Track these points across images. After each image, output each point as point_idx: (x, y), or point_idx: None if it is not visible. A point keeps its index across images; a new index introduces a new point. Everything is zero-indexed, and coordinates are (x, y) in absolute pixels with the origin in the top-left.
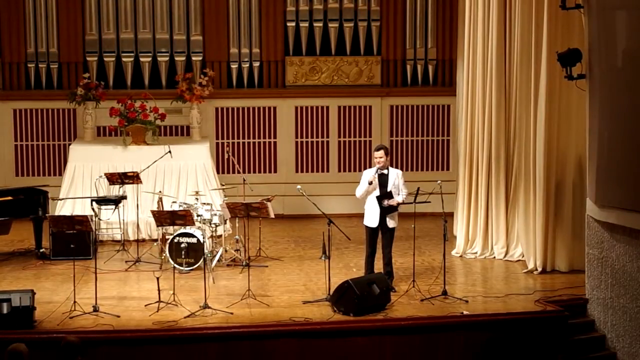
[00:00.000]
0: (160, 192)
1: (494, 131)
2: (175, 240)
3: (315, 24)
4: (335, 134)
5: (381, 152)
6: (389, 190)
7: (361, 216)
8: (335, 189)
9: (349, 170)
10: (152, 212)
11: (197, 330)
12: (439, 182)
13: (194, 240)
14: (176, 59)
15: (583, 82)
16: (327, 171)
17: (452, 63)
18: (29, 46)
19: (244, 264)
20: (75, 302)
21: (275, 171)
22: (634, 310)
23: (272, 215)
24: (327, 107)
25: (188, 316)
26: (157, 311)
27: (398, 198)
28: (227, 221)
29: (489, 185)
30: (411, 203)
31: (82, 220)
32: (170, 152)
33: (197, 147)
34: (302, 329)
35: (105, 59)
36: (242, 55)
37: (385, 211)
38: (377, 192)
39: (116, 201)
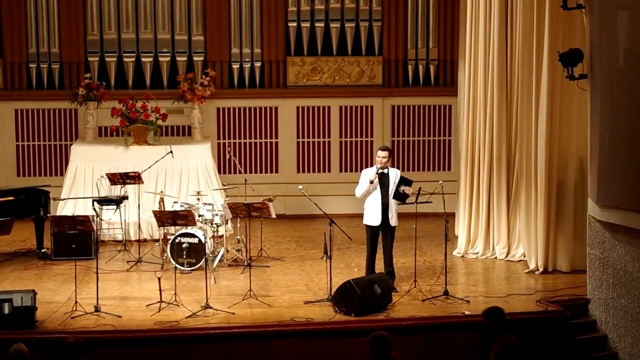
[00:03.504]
0: (161, 192)
1: (496, 131)
2: (177, 241)
3: (316, 24)
4: (337, 134)
5: (386, 153)
6: (390, 188)
7: (362, 216)
8: (336, 189)
9: (351, 171)
10: (154, 212)
11: (198, 331)
12: (440, 182)
13: (195, 240)
14: (178, 59)
15: (584, 82)
16: (329, 171)
17: (454, 63)
18: (30, 46)
19: (245, 264)
20: (76, 302)
21: (276, 171)
22: (636, 311)
23: (274, 216)
24: (329, 107)
25: (189, 316)
26: (159, 311)
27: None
28: (229, 221)
29: (491, 186)
30: (412, 203)
31: (84, 221)
32: (171, 152)
33: (198, 147)
34: (303, 329)
35: (107, 59)
36: (244, 56)
37: (398, 197)
38: (377, 192)
39: (118, 201)
